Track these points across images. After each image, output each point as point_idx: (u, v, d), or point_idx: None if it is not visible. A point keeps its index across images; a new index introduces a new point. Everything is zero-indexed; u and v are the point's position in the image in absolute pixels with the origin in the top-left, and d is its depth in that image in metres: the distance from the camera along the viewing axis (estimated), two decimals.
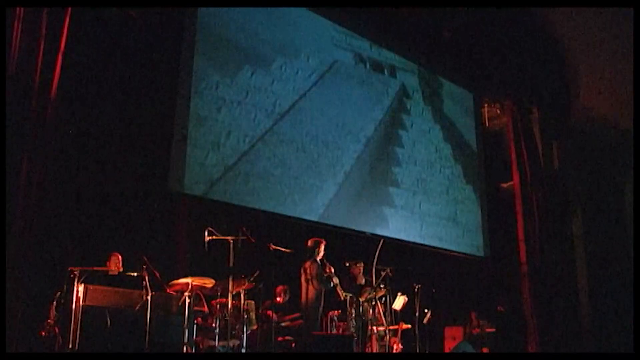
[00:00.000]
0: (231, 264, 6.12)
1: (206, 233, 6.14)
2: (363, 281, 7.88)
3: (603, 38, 9.86)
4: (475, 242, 10.22)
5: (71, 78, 5.98)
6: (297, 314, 7.49)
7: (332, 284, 7.26)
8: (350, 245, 8.63)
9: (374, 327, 7.48)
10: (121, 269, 6.48)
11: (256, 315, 6.88)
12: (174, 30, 7.15)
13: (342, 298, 7.36)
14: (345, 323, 7.41)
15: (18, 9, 5.39)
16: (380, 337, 7.51)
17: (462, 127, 10.61)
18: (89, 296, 5.64)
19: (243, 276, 6.37)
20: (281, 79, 7.91)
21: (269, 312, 7.05)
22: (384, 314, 7.55)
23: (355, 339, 6.94)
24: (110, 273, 6.44)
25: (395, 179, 9.09)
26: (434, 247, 9.56)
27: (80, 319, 5.51)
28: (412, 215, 9.23)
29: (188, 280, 5.97)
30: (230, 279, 6.13)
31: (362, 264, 7.97)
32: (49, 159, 5.56)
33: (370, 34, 9.32)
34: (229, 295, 6.13)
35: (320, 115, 8.29)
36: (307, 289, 7.23)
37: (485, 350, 9.19)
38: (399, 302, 7.94)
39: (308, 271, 7.23)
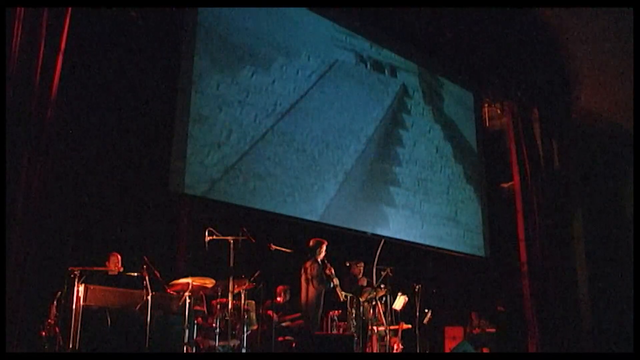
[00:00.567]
0: (231, 264, 6.12)
1: (206, 233, 6.14)
2: (363, 281, 7.88)
3: (603, 38, 9.86)
4: (475, 242, 10.22)
5: (71, 78, 5.98)
6: (297, 314, 7.49)
7: (332, 285, 7.26)
8: (350, 245, 8.63)
9: (375, 327, 7.48)
10: (121, 269, 6.48)
11: (256, 315, 6.87)
12: (174, 30, 7.15)
13: (342, 299, 7.36)
14: (346, 323, 7.42)
15: (18, 9, 5.39)
16: (381, 337, 7.51)
17: (463, 127, 10.62)
18: (89, 296, 5.64)
19: (243, 276, 6.37)
20: (282, 79, 7.91)
21: (270, 312, 7.05)
22: (384, 314, 7.55)
23: (356, 339, 6.94)
24: (110, 273, 6.44)
25: (396, 179, 9.09)
26: (434, 247, 9.57)
27: (81, 319, 5.51)
28: (413, 215, 9.23)
29: (188, 280, 5.97)
30: (231, 279, 6.13)
31: (363, 264, 7.97)
32: (49, 159, 5.56)
33: (371, 33, 9.32)
34: (230, 295, 6.13)
35: (321, 115, 8.29)
36: (307, 289, 7.23)
37: (485, 350, 9.19)
38: (400, 302, 7.94)
39: (309, 271, 7.23)
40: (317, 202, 7.96)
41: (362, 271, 7.98)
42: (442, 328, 10.06)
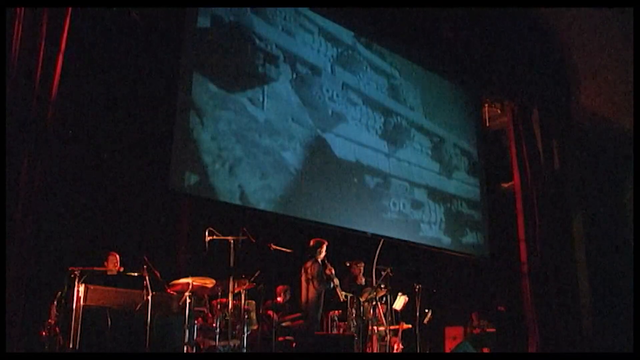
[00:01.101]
0: (232, 264, 6.12)
1: (207, 233, 6.14)
2: (363, 281, 7.88)
3: (603, 38, 9.86)
4: (475, 242, 10.22)
5: (71, 78, 5.98)
6: (297, 314, 7.49)
7: (332, 285, 7.27)
8: (350, 245, 8.64)
9: (375, 327, 7.48)
10: (120, 269, 6.49)
11: (257, 315, 6.88)
12: (174, 30, 7.15)
13: (342, 299, 7.37)
14: (346, 323, 7.42)
15: (18, 9, 5.39)
16: (381, 337, 7.51)
17: (463, 127, 10.62)
18: (89, 296, 5.65)
19: (244, 276, 6.38)
20: (279, 79, 7.92)
21: (270, 312, 7.05)
22: (384, 314, 7.55)
23: (356, 339, 6.94)
24: (109, 273, 6.44)
25: (396, 179, 9.09)
26: (434, 247, 9.57)
27: (81, 319, 5.51)
28: (413, 214, 9.24)
29: (188, 280, 5.98)
30: (231, 279, 6.14)
31: (363, 264, 7.97)
32: (50, 159, 5.56)
33: (370, 33, 9.33)
34: (230, 295, 6.13)
35: (320, 115, 8.29)
36: (307, 289, 7.24)
37: (485, 350, 9.19)
38: (400, 302, 7.94)
39: (309, 271, 7.24)
40: (317, 202, 7.96)
41: (362, 271, 7.98)
42: (442, 328, 10.07)
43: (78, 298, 5.58)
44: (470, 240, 10.12)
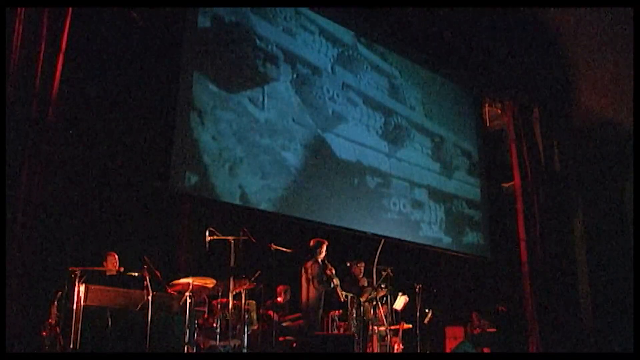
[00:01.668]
0: (232, 264, 6.12)
1: (207, 233, 6.14)
2: (364, 281, 7.88)
3: (603, 38, 9.86)
4: (476, 242, 10.22)
5: (72, 78, 5.98)
6: (298, 314, 7.49)
7: (332, 285, 7.26)
8: (351, 245, 8.64)
9: (375, 327, 7.48)
10: (121, 269, 6.48)
11: (257, 315, 6.88)
12: (175, 30, 7.15)
13: (342, 299, 7.36)
14: (346, 323, 7.42)
15: (19, 9, 5.39)
16: (381, 337, 7.51)
17: (463, 127, 10.62)
18: (89, 296, 5.64)
19: (244, 276, 6.38)
20: (280, 79, 7.92)
21: (270, 312, 7.05)
22: (385, 315, 7.55)
23: (356, 339, 6.94)
24: (108, 273, 6.43)
25: (396, 179, 9.09)
26: (434, 247, 9.57)
27: (81, 319, 5.51)
28: (413, 214, 9.24)
29: (189, 280, 5.98)
30: (231, 279, 6.14)
31: (363, 264, 7.97)
32: (50, 160, 5.56)
33: (371, 33, 9.33)
34: (230, 295, 6.14)
35: (320, 115, 8.29)
36: (308, 289, 7.24)
37: (486, 350, 9.18)
38: (400, 302, 7.94)
39: (309, 271, 7.24)
40: (318, 202, 7.97)
41: (362, 271, 7.98)
42: (442, 328, 10.06)
43: (78, 298, 5.58)
44: (470, 240, 10.12)
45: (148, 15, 7.05)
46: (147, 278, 5.78)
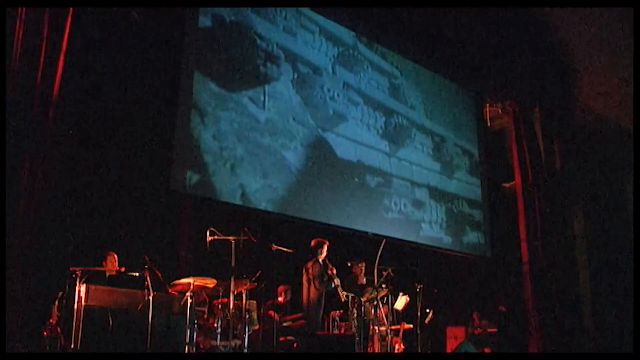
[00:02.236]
0: (233, 264, 6.11)
1: (208, 233, 6.13)
2: (365, 281, 7.87)
3: (603, 38, 9.86)
4: (476, 242, 10.22)
5: (73, 78, 5.97)
6: (298, 314, 7.48)
7: (333, 285, 7.25)
8: (351, 245, 8.63)
9: (376, 327, 7.48)
10: (121, 269, 6.46)
11: (258, 315, 6.87)
12: (175, 30, 7.15)
13: (343, 300, 7.35)
14: (347, 323, 7.41)
15: (19, 9, 5.39)
16: (382, 337, 7.50)
17: (464, 126, 10.62)
18: (90, 296, 5.62)
19: (245, 276, 6.36)
20: (280, 79, 7.91)
21: (271, 312, 7.04)
22: (386, 316, 7.54)
23: (357, 339, 6.93)
24: (109, 273, 6.42)
25: (397, 178, 9.09)
26: (435, 247, 9.56)
27: (82, 319, 5.49)
28: (414, 214, 9.24)
29: (190, 280, 5.96)
30: (232, 279, 6.13)
31: (364, 264, 7.95)
32: (51, 159, 5.55)
33: (371, 33, 9.32)
34: (231, 295, 6.12)
35: (321, 115, 8.29)
36: (308, 289, 7.23)
37: (487, 350, 9.18)
38: (401, 302, 7.93)
39: (310, 271, 7.23)
40: (318, 202, 7.96)
41: (363, 271, 7.96)
42: (443, 328, 10.05)
43: (79, 298, 5.56)
44: (471, 239, 10.12)
45: (149, 15, 7.04)
46: (148, 278, 5.76)
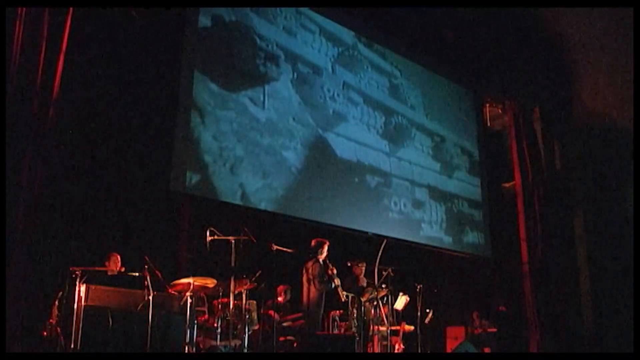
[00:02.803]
0: (233, 264, 6.12)
1: (208, 233, 6.13)
2: (365, 281, 7.87)
3: (603, 38, 9.85)
4: (476, 242, 10.22)
5: (73, 78, 5.98)
6: (298, 314, 7.48)
7: (333, 285, 7.25)
8: (351, 245, 8.63)
9: (377, 327, 7.48)
10: (122, 269, 6.47)
11: (258, 315, 6.87)
12: (175, 30, 7.15)
13: (343, 300, 7.35)
14: (347, 323, 7.41)
15: (19, 8, 5.38)
16: (383, 337, 7.50)
17: (464, 126, 10.61)
18: (90, 296, 5.63)
19: (245, 276, 6.37)
20: (280, 79, 7.92)
21: (271, 312, 7.04)
22: (386, 316, 7.53)
23: (357, 339, 6.93)
24: (110, 273, 6.42)
25: (397, 178, 9.08)
26: (435, 247, 9.56)
27: (82, 319, 5.50)
28: (414, 214, 9.23)
29: (190, 280, 5.97)
30: (232, 279, 6.13)
31: (364, 264, 7.96)
32: (51, 159, 5.55)
33: (371, 33, 9.32)
34: (231, 295, 6.13)
35: (321, 115, 8.29)
36: (308, 289, 7.23)
37: (486, 350, 9.18)
38: (401, 302, 7.93)
39: (310, 271, 7.23)
40: (318, 202, 7.96)
41: (363, 271, 7.97)
42: (443, 328, 10.05)
43: (79, 298, 5.57)
44: (471, 239, 10.12)
45: (148, 15, 7.04)
46: (148, 278, 5.77)
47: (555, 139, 10.77)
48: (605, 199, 10.39)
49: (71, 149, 6.48)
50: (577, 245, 10.29)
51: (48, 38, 5.54)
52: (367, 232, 8.46)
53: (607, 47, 9.93)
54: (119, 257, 6.55)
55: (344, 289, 7.39)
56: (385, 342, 7.46)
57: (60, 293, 5.71)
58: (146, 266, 5.83)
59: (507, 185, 10.86)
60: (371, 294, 7.48)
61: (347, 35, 8.97)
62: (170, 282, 6.14)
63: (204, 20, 7.28)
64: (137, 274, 5.98)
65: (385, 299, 7.59)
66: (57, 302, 5.74)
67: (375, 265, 7.61)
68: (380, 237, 8.33)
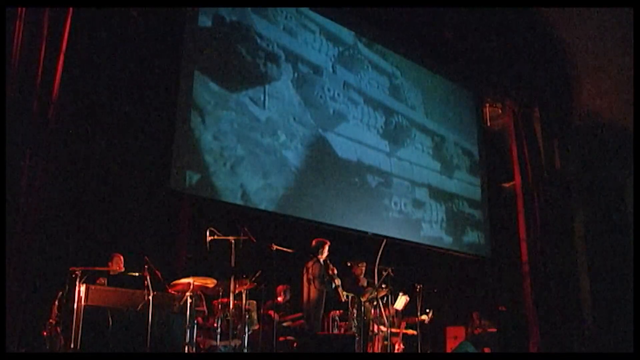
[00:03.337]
0: (233, 264, 6.11)
1: (208, 233, 6.13)
2: (365, 282, 7.87)
3: (603, 38, 9.86)
4: (476, 242, 10.22)
5: (72, 78, 5.97)
6: (298, 314, 7.48)
7: (333, 286, 7.25)
8: (351, 245, 8.62)
9: (380, 327, 7.48)
10: (121, 269, 6.47)
11: (258, 315, 6.87)
12: (175, 30, 7.15)
13: (343, 300, 7.34)
14: (347, 323, 7.40)
15: (19, 8, 5.38)
16: (384, 337, 7.50)
17: (464, 126, 10.62)
18: (90, 296, 5.62)
19: (245, 276, 6.36)
20: (281, 78, 7.91)
21: (271, 312, 7.04)
22: (388, 317, 7.53)
23: (357, 338, 6.93)
24: (111, 273, 6.43)
25: (397, 178, 9.08)
26: (435, 247, 9.56)
27: (82, 319, 5.49)
28: (414, 214, 9.23)
29: (189, 280, 5.96)
30: (232, 279, 6.13)
31: (364, 264, 7.95)
32: (51, 159, 5.55)
33: (371, 33, 9.32)
34: (231, 295, 6.12)
35: (321, 114, 8.29)
36: (308, 289, 7.23)
37: (486, 350, 9.18)
38: (401, 302, 7.93)
39: (310, 271, 7.23)
40: (318, 202, 7.96)
41: (363, 271, 7.96)
42: (443, 328, 10.05)
43: (79, 298, 5.56)
44: (471, 239, 10.12)
45: (148, 15, 7.04)
46: (148, 278, 5.77)
47: (555, 139, 10.77)
48: (605, 199, 10.40)
49: (71, 149, 6.48)
50: (576, 245, 10.29)
51: (48, 38, 5.54)
52: (367, 232, 8.46)
53: (607, 47, 9.94)
54: (122, 257, 6.55)
55: (344, 289, 7.38)
56: (385, 342, 7.46)
57: (60, 293, 5.70)
58: (146, 266, 5.83)
59: (507, 185, 10.87)
60: (371, 294, 7.47)
61: (347, 35, 8.97)
62: (170, 282, 6.13)
63: (204, 20, 7.27)
64: (137, 274, 5.98)
65: (385, 299, 7.58)
66: (57, 302, 5.74)
67: (375, 265, 7.61)
68: (380, 237, 8.33)
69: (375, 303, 7.49)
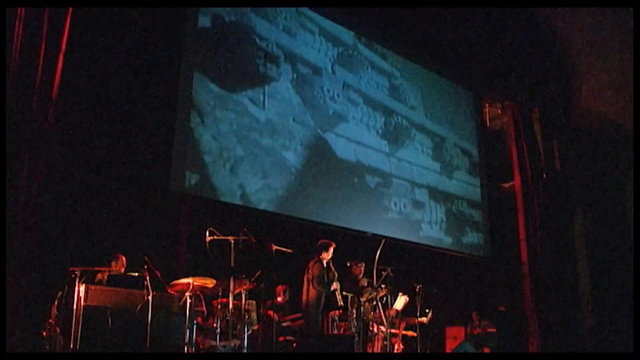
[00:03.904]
0: (232, 264, 6.11)
1: (207, 233, 6.13)
2: (364, 282, 7.87)
3: (603, 38, 9.85)
4: (476, 242, 10.22)
5: (72, 78, 5.98)
6: (298, 314, 7.48)
7: (331, 289, 7.24)
8: (351, 245, 8.62)
9: (380, 327, 7.48)
10: (121, 269, 6.48)
11: (257, 315, 6.88)
12: (175, 30, 7.15)
13: (340, 304, 7.33)
14: (347, 323, 7.41)
15: (19, 8, 5.38)
16: (385, 337, 7.50)
17: (463, 126, 10.62)
18: (90, 296, 5.63)
19: (244, 276, 6.37)
20: (280, 79, 7.92)
21: (270, 312, 7.04)
22: (387, 317, 7.53)
23: (356, 339, 6.93)
24: (112, 273, 6.43)
25: (396, 179, 9.09)
26: (435, 247, 9.56)
27: (82, 319, 5.50)
28: (413, 214, 9.23)
29: (189, 280, 5.97)
30: (232, 279, 6.13)
31: (364, 264, 7.95)
32: (50, 159, 5.56)
33: (371, 33, 9.33)
34: (230, 295, 6.12)
35: (321, 115, 8.29)
36: (308, 289, 7.23)
37: (486, 350, 9.18)
38: (400, 302, 7.93)
39: (310, 271, 7.23)
40: (318, 202, 7.96)
41: (362, 271, 7.96)
42: (443, 328, 10.05)
43: (78, 298, 5.56)
44: (471, 240, 10.12)
45: (148, 15, 7.05)
46: (148, 278, 5.77)
47: (555, 139, 10.78)
48: (605, 199, 10.40)
49: (71, 149, 6.48)
50: (576, 245, 10.29)
51: (48, 38, 5.54)
52: (367, 232, 8.46)
53: (606, 47, 9.94)
54: (124, 258, 6.56)
55: (343, 289, 7.38)
56: (385, 342, 7.46)
57: (60, 293, 5.71)
58: (146, 266, 5.83)
59: (506, 185, 10.86)
60: (370, 294, 7.47)
61: (347, 35, 8.98)
62: (170, 282, 6.14)
63: (204, 20, 7.28)
64: (136, 274, 5.98)
65: (384, 299, 7.58)
66: (56, 302, 5.74)
67: (374, 265, 7.61)
68: (380, 237, 8.33)
69: (374, 303, 7.49)
